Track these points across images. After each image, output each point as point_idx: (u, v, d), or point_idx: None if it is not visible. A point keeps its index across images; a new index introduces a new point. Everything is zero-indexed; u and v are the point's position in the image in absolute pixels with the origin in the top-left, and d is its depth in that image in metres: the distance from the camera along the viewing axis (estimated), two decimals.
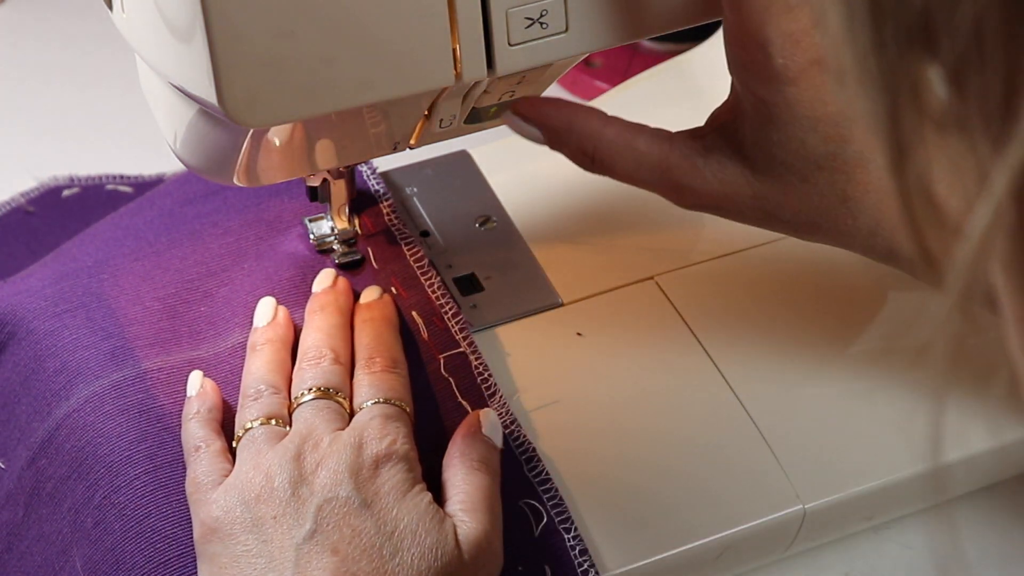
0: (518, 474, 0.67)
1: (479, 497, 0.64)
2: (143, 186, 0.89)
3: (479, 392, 0.70)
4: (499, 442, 0.67)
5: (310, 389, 0.67)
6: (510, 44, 0.56)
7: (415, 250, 0.75)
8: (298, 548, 0.61)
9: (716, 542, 0.67)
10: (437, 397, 0.70)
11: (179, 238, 0.76)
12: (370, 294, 0.72)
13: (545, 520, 0.65)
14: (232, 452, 0.66)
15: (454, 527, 0.63)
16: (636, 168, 0.62)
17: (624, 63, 1.02)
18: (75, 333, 0.71)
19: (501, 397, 0.69)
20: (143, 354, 0.70)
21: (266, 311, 0.71)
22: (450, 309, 0.73)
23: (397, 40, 0.53)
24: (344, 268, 0.74)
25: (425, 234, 0.77)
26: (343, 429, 0.65)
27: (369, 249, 0.75)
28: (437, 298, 0.73)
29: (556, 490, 0.66)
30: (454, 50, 0.55)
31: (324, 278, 0.73)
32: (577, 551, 0.65)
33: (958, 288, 0.31)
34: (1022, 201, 0.30)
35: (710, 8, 0.59)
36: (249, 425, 0.66)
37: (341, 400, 0.67)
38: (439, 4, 0.53)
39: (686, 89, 0.87)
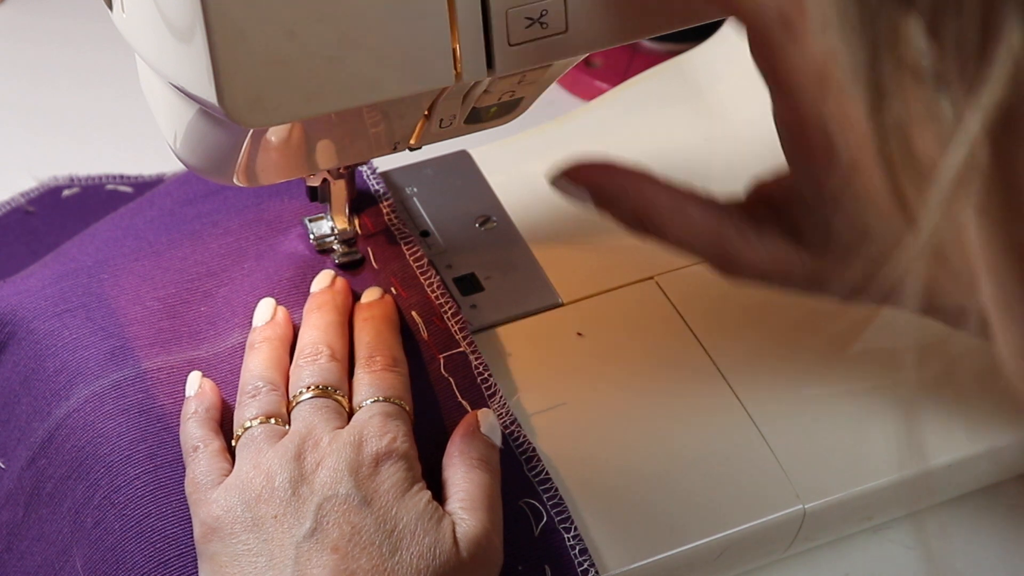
0: (518, 474, 0.67)
1: (479, 495, 0.65)
2: (143, 186, 0.89)
3: (479, 392, 0.70)
4: (498, 441, 0.67)
5: (308, 387, 0.67)
6: (510, 44, 0.56)
7: (415, 250, 0.75)
8: (298, 546, 0.61)
9: (716, 542, 0.67)
10: (437, 397, 0.70)
11: (179, 238, 0.76)
12: (371, 294, 0.73)
13: (545, 520, 0.65)
14: (231, 451, 0.66)
15: (453, 525, 0.63)
16: (688, 236, 0.60)
17: (624, 63, 1.02)
18: (75, 333, 0.71)
19: (501, 397, 0.70)
20: (143, 354, 0.70)
21: (265, 311, 0.71)
22: (450, 309, 0.73)
23: (397, 40, 0.53)
24: (344, 268, 0.74)
25: (425, 234, 0.77)
26: (342, 427, 0.65)
27: (369, 249, 0.75)
28: (436, 298, 0.73)
29: (556, 489, 0.67)
30: (454, 50, 0.55)
31: (323, 278, 0.73)
32: (577, 551, 0.65)
33: (930, 229, 0.31)
34: (995, 142, 0.31)
35: (709, 9, 0.59)
36: (248, 424, 0.66)
37: (339, 398, 0.67)
38: (439, 4, 0.53)
39: (686, 89, 0.87)
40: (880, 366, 0.72)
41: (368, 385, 0.67)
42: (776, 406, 0.70)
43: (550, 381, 0.71)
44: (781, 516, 0.67)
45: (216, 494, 0.64)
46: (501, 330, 0.73)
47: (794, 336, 0.73)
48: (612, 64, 1.02)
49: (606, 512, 0.67)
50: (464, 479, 0.65)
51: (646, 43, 1.02)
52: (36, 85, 1.03)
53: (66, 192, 0.88)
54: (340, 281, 0.73)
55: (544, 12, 0.56)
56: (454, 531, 0.63)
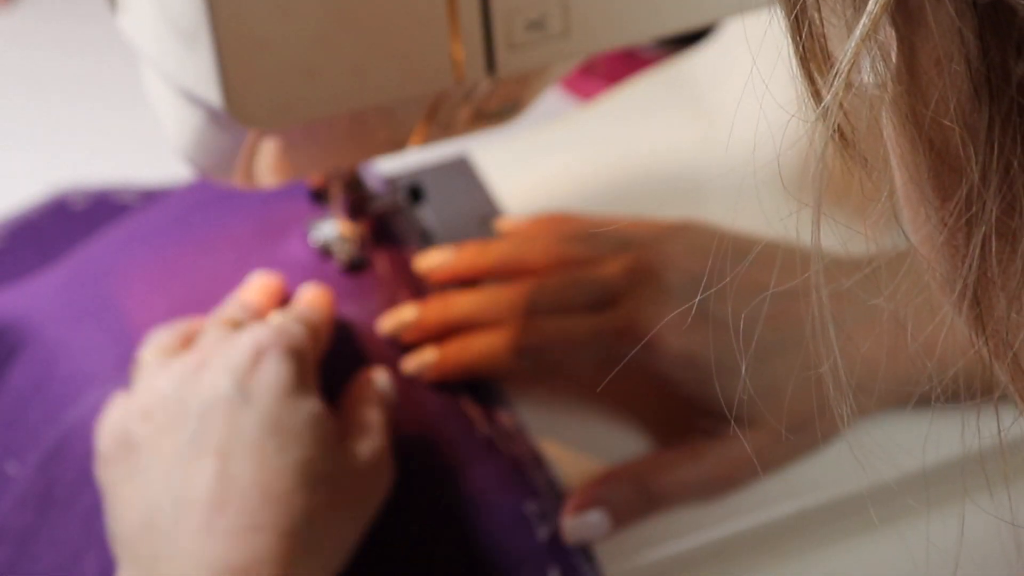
0: (521, 478, 0.67)
1: (374, 423, 0.64)
2: (149, 196, 0.89)
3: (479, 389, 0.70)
4: (392, 398, 0.67)
5: (219, 320, 0.67)
6: (511, 46, 0.56)
7: (417, 252, 0.75)
8: (181, 454, 0.60)
9: (715, 541, 0.67)
10: (434, 392, 0.70)
11: (187, 244, 0.76)
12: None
13: (551, 523, 0.65)
14: None
15: (347, 439, 0.62)
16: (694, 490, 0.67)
17: (624, 65, 1.02)
18: (85, 339, 0.71)
19: (501, 395, 0.70)
20: None
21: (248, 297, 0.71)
22: None
23: (400, 43, 0.54)
24: (346, 270, 0.75)
25: (426, 235, 0.78)
26: None
27: (371, 251, 0.75)
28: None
29: (561, 495, 0.66)
30: (455, 52, 0.55)
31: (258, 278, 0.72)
32: (583, 557, 0.65)
33: (835, 111, 0.32)
34: (897, 27, 0.31)
35: (709, 11, 0.60)
36: (144, 357, 0.66)
37: None
38: (440, 7, 0.54)
39: (685, 91, 0.87)
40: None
41: (283, 313, 0.67)
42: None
43: (551, 385, 0.71)
44: (780, 515, 0.67)
45: (106, 423, 0.63)
46: None
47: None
48: (612, 66, 1.03)
49: None
50: (359, 412, 0.64)
51: (645, 46, 1.02)
52: (44, 94, 1.03)
53: (74, 202, 0.89)
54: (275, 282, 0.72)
55: (545, 15, 0.56)
56: (348, 445, 0.62)
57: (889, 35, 0.32)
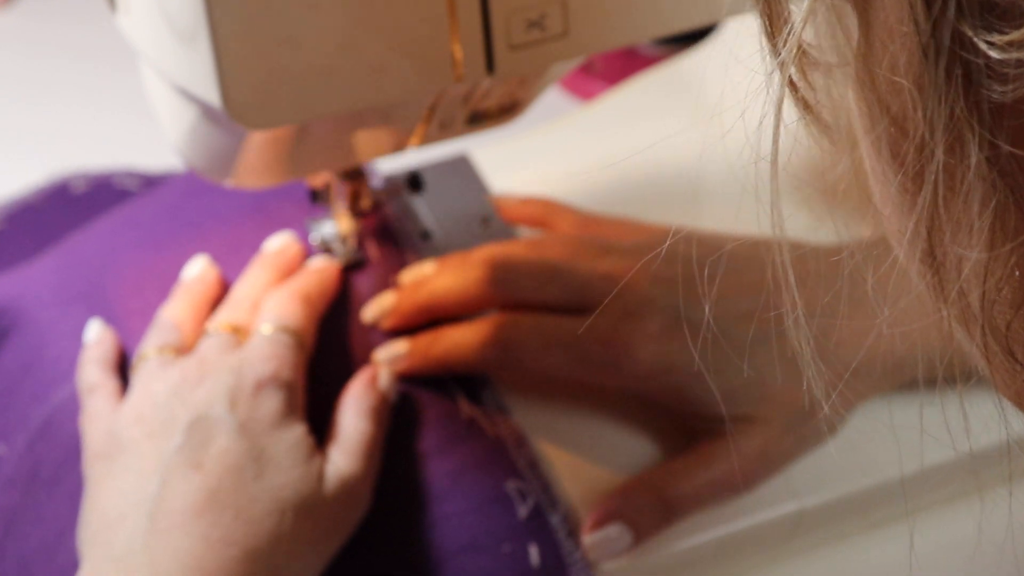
0: (502, 456, 0.67)
1: (359, 442, 0.65)
2: (150, 182, 0.89)
3: (474, 384, 0.70)
4: (392, 396, 0.68)
5: (218, 325, 0.68)
6: (510, 47, 0.56)
7: (416, 251, 0.75)
8: (165, 461, 0.62)
9: (713, 540, 0.67)
10: (432, 388, 0.70)
11: (180, 230, 0.76)
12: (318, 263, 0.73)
13: (532, 503, 0.65)
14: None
15: (322, 465, 0.64)
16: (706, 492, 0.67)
17: (624, 65, 1.02)
18: (75, 322, 0.72)
19: (494, 389, 0.70)
20: (140, 341, 0.71)
21: (194, 267, 0.72)
22: None
23: (399, 43, 0.54)
24: (345, 269, 0.75)
25: (426, 235, 0.77)
26: None
27: (370, 250, 0.76)
28: None
29: (544, 475, 0.66)
30: (455, 53, 0.55)
31: (277, 240, 0.73)
32: (564, 533, 0.65)
33: (789, 64, 0.36)
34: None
35: (709, 11, 0.60)
36: (144, 353, 0.67)
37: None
38: (440, 7, 0.54)
39: (684, 92, 0.88)
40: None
41: (270, 310, 0.68)
42: None
43: (550, 381, 0.71)
44: (779, 514, 0.67)
45: (102, 422, 0.65)
46: None
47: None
48: (611, 66, 1.03)
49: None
50: (350, 425, 0.66)
51: (645, 46, 1.02)
52: (43, 92, 1.03)
53: (74, 187, 0.89)
54: (294, 247, 0.73)
55: (544, 15, 0.56)
56: (322, 469, 0.63)
57: (849, 13, 0.35)
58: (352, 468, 0.64)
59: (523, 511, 0.65)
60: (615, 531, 0.65)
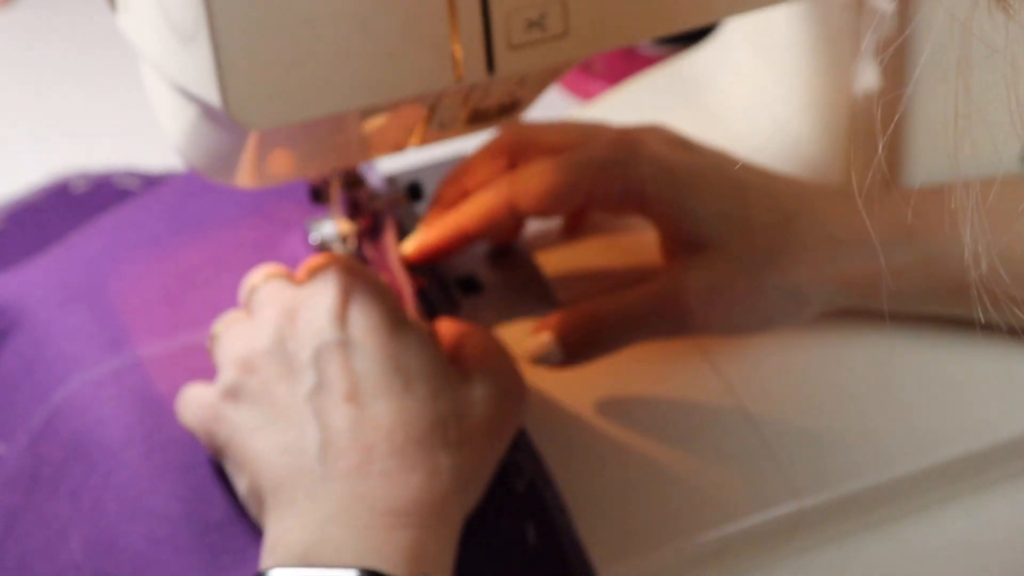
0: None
1: (496, 354, 0.65)
2: (151, 181, 0.90)
3: None
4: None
5: (271, 274, 0.66)
6: (510, 46, 0.56)
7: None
8: (311, 401, 0.59)
9: (712, 540, 0.67)
10: None
11: (180, 228, 0.76)
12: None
13: (528, 476, 0.65)
14: None
15: (466, 371, 0.62)
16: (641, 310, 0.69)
17: (623, 65, 1.02)
18: (75, 320, 0.72)
19: None
20: (141, 340, 0.71)
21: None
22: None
23: (399, 42, 0.54)
24: None
25: None
26: None
27: (370, 250, 0.76)
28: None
29: (539, 456, 0.66)
30: (455, 52, 0.55)
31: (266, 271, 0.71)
32: (557, 508, 0.65)
33: None
34: None
35: (709, 11, 0.60)
36: (217, 332, 0.66)
37: None
38: (440, 7, 0.54)
39: (684, 91, 0.88)
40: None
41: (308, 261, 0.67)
42: (774, 401, 0.71)
43: (547, 379, 0.71)
44: (778, 513, 0.68)
45: (212, 389, 0.63)
46: (500, 330, 0.74)
47: (792, 330, 0.73)
48: (611, 65, 1.03)
49: (599, 511, 0.67)
50: (480, 345, 0.65)
51: (645, 45, 1.02)
52: (46, 83, 1.03)
53: (75, 187, 0.89)
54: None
55: (544, 15, 0.56)
56: (470, 377, 0.62)
57: None
58: (498, 376, 0.63)
59: (519, 487, 0.65)
60: (545, 337, 0.67)
